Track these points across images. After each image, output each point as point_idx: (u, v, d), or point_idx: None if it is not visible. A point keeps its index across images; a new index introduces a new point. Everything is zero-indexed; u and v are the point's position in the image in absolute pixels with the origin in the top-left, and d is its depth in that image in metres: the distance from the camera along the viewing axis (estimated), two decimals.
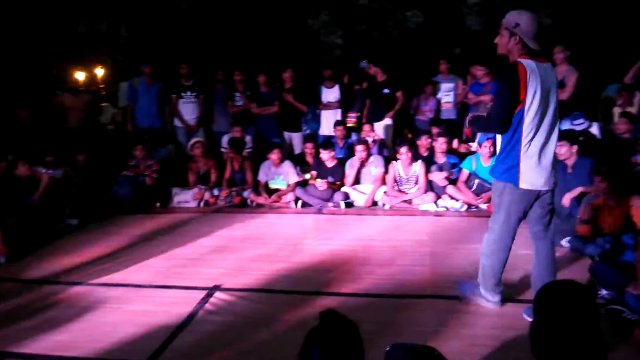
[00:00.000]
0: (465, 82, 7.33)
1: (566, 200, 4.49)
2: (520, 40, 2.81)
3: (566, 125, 5.98)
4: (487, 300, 3.25)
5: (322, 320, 1.74)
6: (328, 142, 6.57)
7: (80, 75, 11.28)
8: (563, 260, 4.05)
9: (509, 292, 3.35)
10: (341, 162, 6.46)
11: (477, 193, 5.72)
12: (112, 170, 6.59)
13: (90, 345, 2.97)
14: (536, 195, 2.94)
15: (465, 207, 5.71)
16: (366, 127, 6.86)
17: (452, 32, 9.04)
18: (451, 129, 6.79)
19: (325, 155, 6.30)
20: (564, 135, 4.93)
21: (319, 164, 6.41)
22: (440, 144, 6.11)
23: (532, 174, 2.85)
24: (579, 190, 4.55)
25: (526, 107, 2.76)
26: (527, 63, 2.75)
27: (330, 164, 6.36)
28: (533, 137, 2.80)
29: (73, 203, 5.74)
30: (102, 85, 11.69)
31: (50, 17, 9.15)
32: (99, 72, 11.79)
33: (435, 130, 6.55)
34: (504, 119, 2.82)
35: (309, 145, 6.75)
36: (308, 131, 7.36)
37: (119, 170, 6.53)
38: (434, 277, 3.83)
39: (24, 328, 3.20)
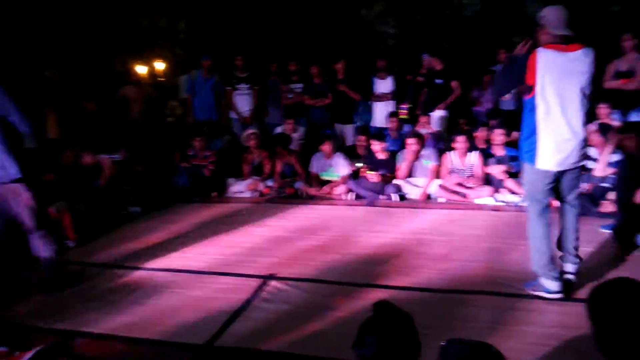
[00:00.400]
0: None
1: (638, 197, 4.26)
2: (546, 30, 3.00)
3: (635, 117, 5.66)
4: (547, 290, 3.20)
5: (376, 311, 1.75)
6: (380, 134, 6.52)
7: (141, 69, 11.72)
8: (633, 259, 3.86)
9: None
10: (393, 155, 6.40)
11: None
12: (172, 161, 6.84)
13: (152, 327, 3.11)
14: (554, 174, 3.12)
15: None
16: (423, 119, 6.74)
17: (512, 20, 8.72)
18: (510, 121, 6.57)
19: (376, 146, 6.25)
20: (631, 128, 4.67)
21: (370, 156, 6.38)
22: (497, 135, 5.93)
23: (548, 156, 3.04)
24: None
25: (537, 94, 2.97)
26: (545, 52, 2.94)
27: (381, 156, 6.31)
28: (549, 122, 2.99)
29: (136, 191, 6.01)
30: (162, 79, 12.09)
31: (113, 14, 9.54)
32: (159, 65, 12.19)
33: (492, 121, 6.35)
34: (499, 90, 3.48)
35: (361, 137, 6.72)
36: (360, 123, 7.33)
37: (178, 161, 6.76)
38: (491, 273, 3.73)
39: (91, 309, 3.39)
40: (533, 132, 3.06)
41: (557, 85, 2.94)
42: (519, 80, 3.04)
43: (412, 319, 1.74)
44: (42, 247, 3.55)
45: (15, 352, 2.33)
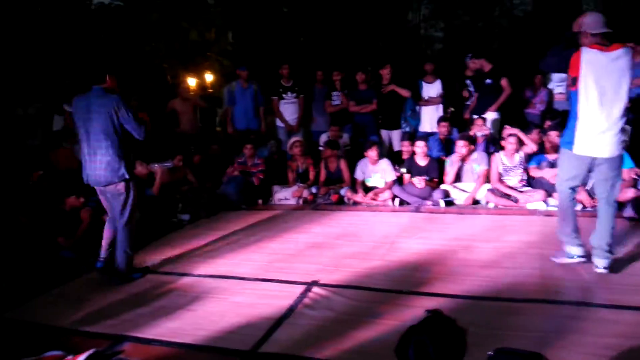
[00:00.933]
0: None
1: None
2: (586, 33, 3.33)
3: None
4: (569, 256, 3.62)
5: (423, 319, 1.70)
6: (424, 137, 6.41)
7: (191, 81, 12.08)
8: None
9: (628, 299, 3.08)
10: (438, 160, 6.27)
11: (594, 195, 5.14)
12: (220, 170, 6.96)
13: (199, 333, 3.15)
14: (589, 161, 3.44)
15: (580, 206, 5.23)
16: (479, 122, 6.56)
17: (566, 18, 8.40)
18: (565, 122, 6.31)
19: (418, 148, 6.13)
20: None
21: (411, 162, 6.27)
22: (551, 137, 5.69)
23: (585, 142, 3.38)
24: None
25: (580, 88, 3.31)
26: (588, 51, 3.29)
27: (422, 162, 6.19)
28: (589, 113, 3.32)
29: (185, 200, 6.15)
30: (210, 90, 12.43)
31: (165, 28, 9.90)
32: (208, 77, 12.54)
33: (548, 122, 6.12)
34: (546, 65, 3.72)
35: (406, 142, 6.62)
36: (407, 128, 7.24)
37: (226, 170, 6.87)
38: (543, 280, 3.56)
39: (141, 314, 3.47)
40: (574, 122, 3.40)
41: (598, 81, 3.26)
42: (563, 68, 3.46)
43: (462, 331, 1.67)
44: (124, 240, 3.99)
45: (68, 356, 2.41)
